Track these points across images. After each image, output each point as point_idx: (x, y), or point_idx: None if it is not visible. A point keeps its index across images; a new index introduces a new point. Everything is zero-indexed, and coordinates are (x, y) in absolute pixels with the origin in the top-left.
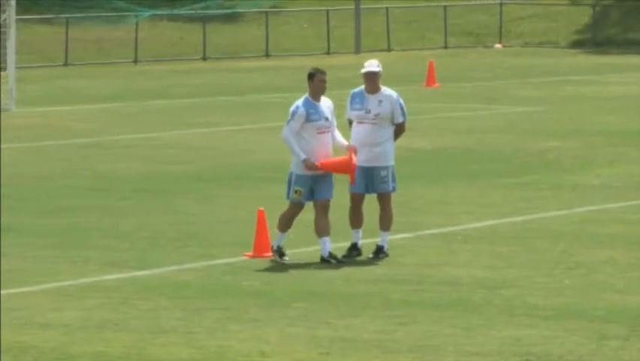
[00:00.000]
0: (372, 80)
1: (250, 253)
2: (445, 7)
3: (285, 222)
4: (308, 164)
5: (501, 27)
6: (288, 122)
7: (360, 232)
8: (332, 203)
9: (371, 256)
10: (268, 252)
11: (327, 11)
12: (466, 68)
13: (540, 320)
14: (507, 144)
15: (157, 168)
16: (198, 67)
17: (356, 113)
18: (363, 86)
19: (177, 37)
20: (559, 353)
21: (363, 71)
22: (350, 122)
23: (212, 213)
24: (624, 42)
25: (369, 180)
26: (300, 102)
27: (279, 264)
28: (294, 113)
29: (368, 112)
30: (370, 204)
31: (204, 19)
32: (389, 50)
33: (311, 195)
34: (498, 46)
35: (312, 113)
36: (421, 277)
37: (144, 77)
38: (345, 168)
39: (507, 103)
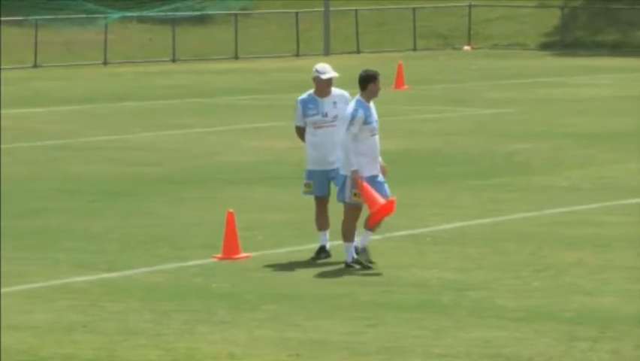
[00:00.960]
0: (329, 85)
1: (220, 255)
2: (413, 9)
3: (351, 232)
4: (355, 176)
5: (470, 29)
6: (348, 127)
7: (328, 233)
8: (304, 205)
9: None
10: (238, 254)
11: (297, 13)
12: (434, 70)
13: (509, 322)
14: (476, 146)
15: (127, 170)
16: (168, 69)
17: (313, 118)
18: (310, 92)
19: (147, 39)
20: (528, 355)
21: (325, 77)
22: (299, 130)
23: (182, 215)
24: (592, 44)
25: (327, 181)
26: (355, 105)
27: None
28: (353, 117)
29: (325, 115)
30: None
31: (174, 21)
32: (358, 52)
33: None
34: (467, 48)
35: (368, 116)
36: (389, 279)
37: (114, 78)
38: (379, 209)
39: (476, 105)
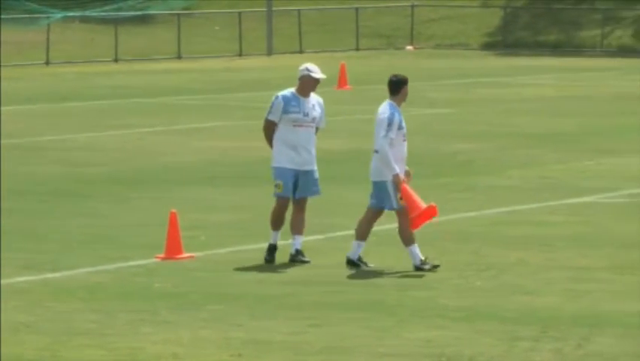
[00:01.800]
0: (316, 85)
1: (163, 255)
2: (356, 9)
3: (365, 230)
4: (397, 180)
5: (412, 29)
6: (386, 133)
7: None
8: (247, 205)
9: (295, 259)
10: (181, 254)
11: (239, 13)
12: (377, 70)
13: (451, 322)
14: (419, 147)
15: (71, 171)
16: (110, 69)
17: (294, 115)
18: (292, 90)
19: (89, 39)
20: (470, 354)
21: (317, 76)
22: (271, 125)
23: (126, 215)
24: (534, 44)
25: (304, 183)
26: (391, 110)
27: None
28: (391, 122)
29: (306, 115)
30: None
31: (116, 21)
32: (301, 51)
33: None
34: (409, 48)
35: (401, 120)
36: (333, 279)
37: (56, 78)
38: (421, 212)
39: (418, 105)
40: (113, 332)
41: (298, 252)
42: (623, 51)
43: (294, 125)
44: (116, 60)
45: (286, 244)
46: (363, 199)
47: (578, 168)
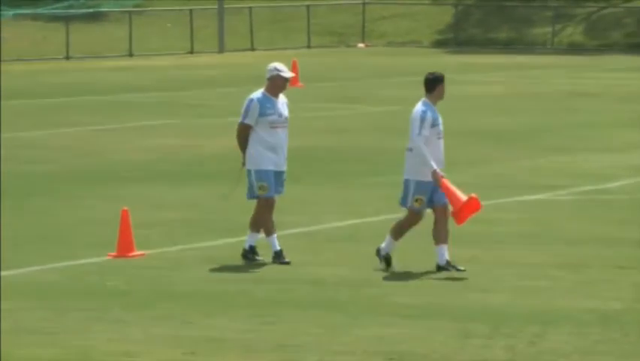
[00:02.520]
0: (285, 86)
1: (114, 253)
2: (308, 6)
3: (400, 232)
4: (436, 176)
5: (364, 27)
6: (420, 131)
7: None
8: (197, 203)
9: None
10: (132, 252)
11: (191, 11)
12: (329, 67)
13: (404, 319)
14: (370, 144)
15: (20, 169)
16: (62, 66)
17: (271, 118)
18: (262, 91)
19: (40, 37)
20: (423, 352)
21: (287, 75)
22: (247, 128)
23: (76, 213)
24: (486, 41)
25: (276, 183)
26: (423, 107)
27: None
28: (423, 119)
29: (280, 116)
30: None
31: (67, 19)
32: (253, 49)
33: (430, 202)
34: (361, 45)
35: (435, 119)
36: (285, 277)
37: (7, 76)
38: (462, 206)
39: (369, 102)
40: (64, 330)
41: (278, 254)
42: (574, 49)
43: (272, 127)
44: (67, 58)
45: (232, 242)
46: (313, 197)
47: (528, 165)
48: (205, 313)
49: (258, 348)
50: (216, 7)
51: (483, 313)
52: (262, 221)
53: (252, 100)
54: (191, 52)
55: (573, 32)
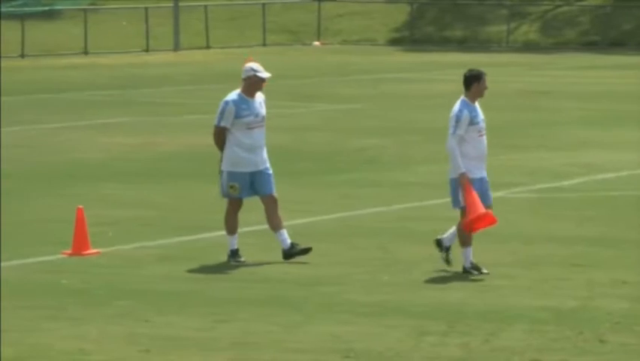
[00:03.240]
0: (262, 86)
1: (69, 251)
2: (263, 4)
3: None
4: (463, 179)
5: (319, 25)
6: (454, 130)
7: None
8: (154, 201)
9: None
10: (87, 250)
11: (146, 9)
12: (284, 65)
13: (360, 317)
14: (326, 142)
15: None
16: (17, 65)
17: (247, 119)
18: (238, 92)
19: None
20: (379, 350)
21: (264, 75)
22: (223, 131)
23: (31, 211)
24: (441, 40)
25: (263, 181)
26: (460, 106)
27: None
28: (458, 119)
29: (257, 116)
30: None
31: (22, 17)
32: (208, 47)
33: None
34: (316, 43)
35: (475, 116)
36: (241, 275)
37: None
38: (475, 218)
39: (326, 101)
40: (17, 328)
41: (294, 245)
42: (529, 47)
43: (248, 128)
44: (22, 56)
45: (187, 240)
46: None
47: None
48: (160, 311)
49: (213, 346)
50: (171, 5)
51: (438, 310)
52: (227, 219)
53: (227, 102)
54: (147, 50)
55: (528, 31)
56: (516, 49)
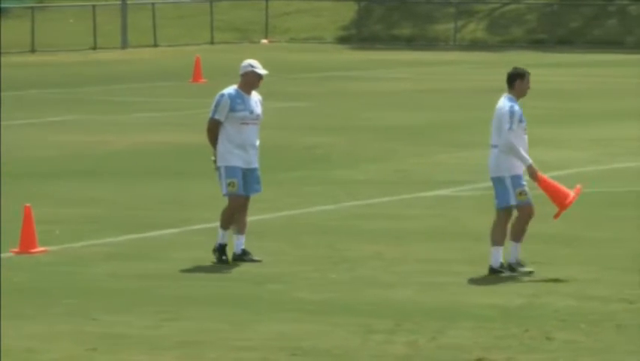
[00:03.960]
0: (259, 83)
1: (17, 250)
2: (211, 2)
3: (521, 232)
4: (532, 170)
5: (267, 23)
6: (510, 126)
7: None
8: (102, 199)
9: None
10: (35, 248)
11: (94, 7)
12: (232, 63)
13: (307, 315)
14: (275, 140)
15: None
16: None
17: (241, 114)
18: (235, 87)
19: None
20: (326, 348)
21: (262, 72)
22: (217, 124)
23: None
24: (389, 38)
25: (249, 181)
26: (510, 102)
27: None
28: (512, 114)
29: (252, 112)
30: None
31: None
32: (155, 45)
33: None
34: (264, 41)
35: (521, 114)
36: (189, 273)
37: None
38: (561, 200)
39: (274, 99)
40: None
41: (245, 252)
42: (476, 45)
43: (241, 124)
44: None
45: (136, 238)
46: (215, 193)
47: (433, 161)
48: (108, 309)
49: (161, 345)
50: (119, 2)
51: (385, 308)
52: (228, 217)
53: (222, 95)
54: (94, 48)
55: (475, 29)
56: (464, 47)
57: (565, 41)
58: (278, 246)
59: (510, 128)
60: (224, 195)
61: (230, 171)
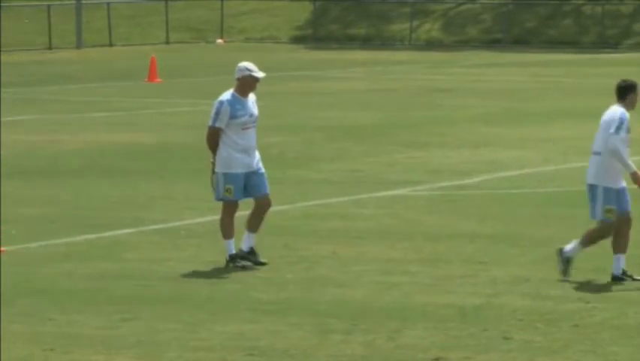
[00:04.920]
0: (256, 86)
1: None
2: (166, 2)
3: (590, 241)
4: (636, 177)
5: (222, 22)
6: (617, 131)
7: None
8: (57, 199)
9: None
10: None
11: (48, 6)
12: (187, 63)
13: (263, 315)
14: None
15: None
16: None
17: (242, 119)
18: (231, 92)
19: None
20: (282, 348)
21: (259, 75)
22: (218, 132)
23: None
24: (344, 37)
25: (258, 181)
26: (622, 109)
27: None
28: (622, 121)
29: (251, 116)
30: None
31: None
32: (111, 45)
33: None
34: (220, 41)
35: (629, 126)
36: (144, 273)
37: None
38: None
39: None
40: None
41: (252, 251)
42: (432, 44)
43: (243, 129)
44: None
45: (92, 238)
46: (174, 193)
47: (387, 161)
48: (64, 309)
49: (117, 345)
50: (74, 2)
51: (342, 308)
52: (222, 224)
53: (222, 102)
54: (50, 48)
55: (431, 28)
56: (419, 47)
57: (520, 41)
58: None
59: (616, 133)
60: (217, 200)
61: (231, 177)
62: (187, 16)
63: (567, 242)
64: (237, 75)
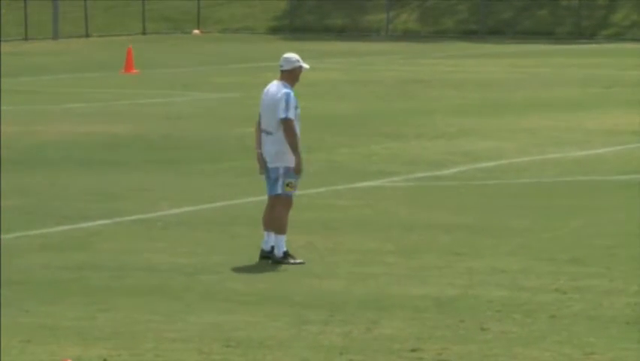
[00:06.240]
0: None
1: None
2: None
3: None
4: None
5: (199, 13)
6: None
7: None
8: (31, 190)
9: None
10: None
11: None
12: (164, 54)
13: (240, 306)
14: (205, 131)
15: None
16: None
17: (299, 110)
18: (283, 83)
19: None
20: (259, 339)
21: (306, 66)
22: (290, 121)
23: None
24: (321, 28)
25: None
26: None
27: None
28: None
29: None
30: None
31: None
32: (87, 35)
33: None
34: (196, 32)
35: None
36: (120, 264)
37: None
38: None
39: (204, 89)
40: None
41: (287, 254)
42: (408, 35)
43: (297, 121)
44: None
45: (67, 229)
46: (149, 183)
47: (363, 152)
48: (41, 300)
49: (94, 335)
50: None
51: (319, 299)
52: (283, 219)
53: (289, 93)
54: (26, 38)
55: (407, 19)
56: (395, 37)
57: (496, 32)
58: (210, 237)
59: None
60: (276, 194)
61: (291, 172)
62: (164, 7)
63: (543, 233)
64: (288, 67)
